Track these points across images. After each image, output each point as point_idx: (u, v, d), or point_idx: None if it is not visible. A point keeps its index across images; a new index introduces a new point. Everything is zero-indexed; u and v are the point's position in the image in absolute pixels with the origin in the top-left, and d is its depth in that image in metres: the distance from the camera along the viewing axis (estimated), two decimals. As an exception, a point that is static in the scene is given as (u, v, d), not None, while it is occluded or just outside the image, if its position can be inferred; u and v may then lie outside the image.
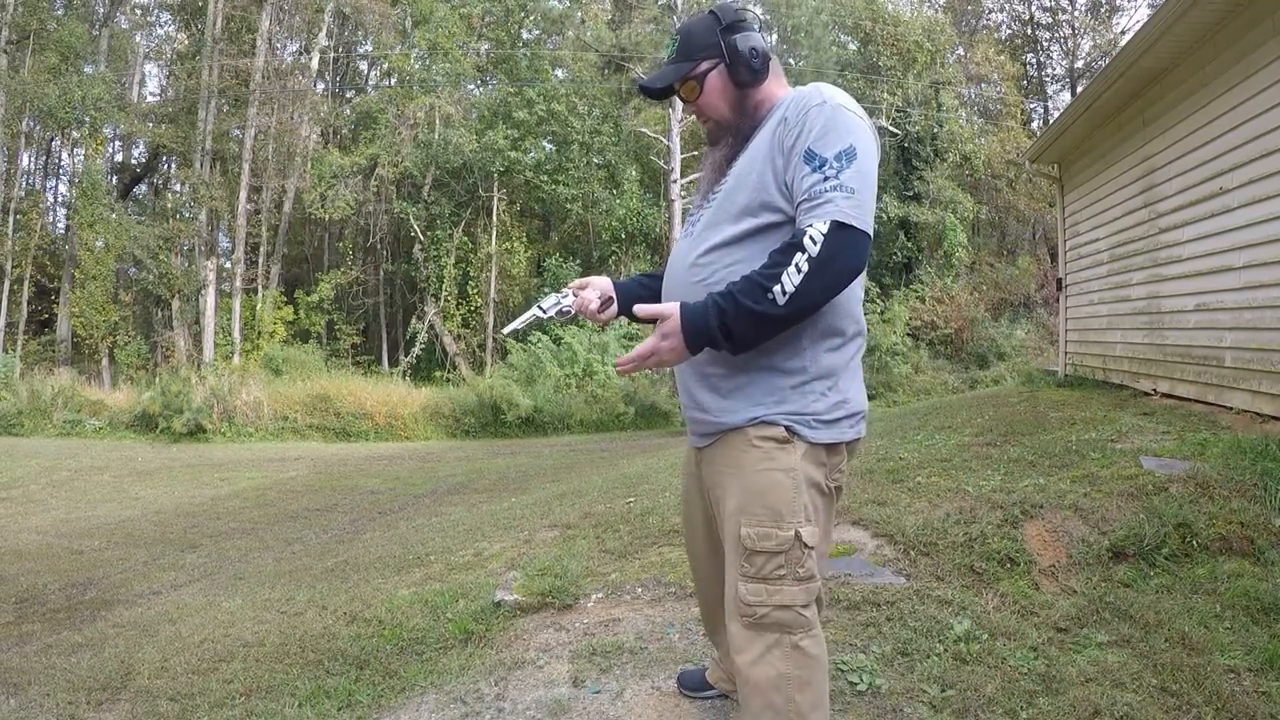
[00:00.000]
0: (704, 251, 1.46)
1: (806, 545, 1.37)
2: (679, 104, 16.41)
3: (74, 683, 2.58)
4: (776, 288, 1.26)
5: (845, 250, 1.27)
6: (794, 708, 1.37)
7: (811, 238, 1.26)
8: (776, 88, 1.51)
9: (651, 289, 1.68)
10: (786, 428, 1.39)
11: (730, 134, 1.51)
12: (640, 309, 1.41)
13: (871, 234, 1.32)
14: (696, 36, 1.49)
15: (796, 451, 1.39)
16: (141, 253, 16.73)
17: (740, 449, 1.42)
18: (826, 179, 1.30)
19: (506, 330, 1.64)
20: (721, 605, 1.63)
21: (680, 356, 1.35)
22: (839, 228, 1.27)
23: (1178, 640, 2.17)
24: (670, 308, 1.34)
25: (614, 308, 1.67)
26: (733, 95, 1.50)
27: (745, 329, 1.30)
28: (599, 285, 1.68)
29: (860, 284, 1.44)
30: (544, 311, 1.62)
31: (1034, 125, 22.85)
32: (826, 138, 1.33)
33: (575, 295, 1.66)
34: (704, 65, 1.48)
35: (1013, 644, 2.18)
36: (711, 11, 1.51)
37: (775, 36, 22.15)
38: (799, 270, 1.25)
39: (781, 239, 1.36)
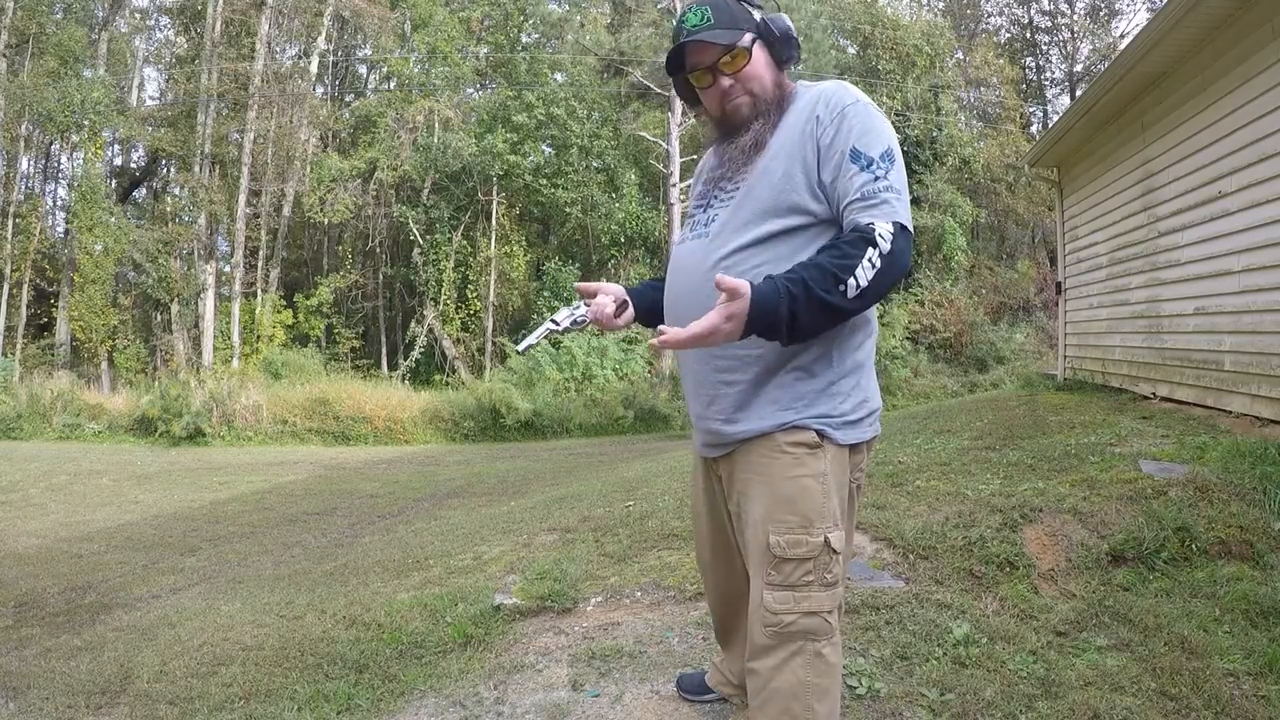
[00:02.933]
0: (727, 253, 1.39)
1: (834, 550, 1.34)
2: (678, 107, 16.48)
3: (73, 686, 2.57)
4: (851, 280, 1.20)
5: (905, 252, 1.25)
6: (812, 716, 1.34)
7: (882, 235, 1.22)
8: (786, 76, 1.49)
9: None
10: (817, 431, 1.36)
11: (760, 116, 1.43)
12: (722, 279, 1.17)
13: None
14: (735, 8, 1.43)
15: (826, 455, 1.37)
16: (141, 256, 16.73)
17: (769, 455, 1.38)
18: (877, 179, 1.28)
19: (521, 346, 1.52)
20: (732, 610, 1.60)
21: (732, 340, 1.21)
22: (901, 229, 1.25)
23: (1177, 644, 2.17)
24: (745, 285, 1.18)
25: (630, 312, 1.59)
26: (774, 72, 1.46)
27: (813, 319, 1.22)
28: (611, 290, 1.58)
29: None
30: (557, 324, 1.51)
31: (1033, 129, 22.92)
32: (867, 137, 1.31)
33: (588, 304, 1.56)
34: (748, 37, 1.43)
35: (1012, 648, 2.18)
36: None
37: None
38: (873, 265, 1.21)
39: (808, 242, 1.33)
